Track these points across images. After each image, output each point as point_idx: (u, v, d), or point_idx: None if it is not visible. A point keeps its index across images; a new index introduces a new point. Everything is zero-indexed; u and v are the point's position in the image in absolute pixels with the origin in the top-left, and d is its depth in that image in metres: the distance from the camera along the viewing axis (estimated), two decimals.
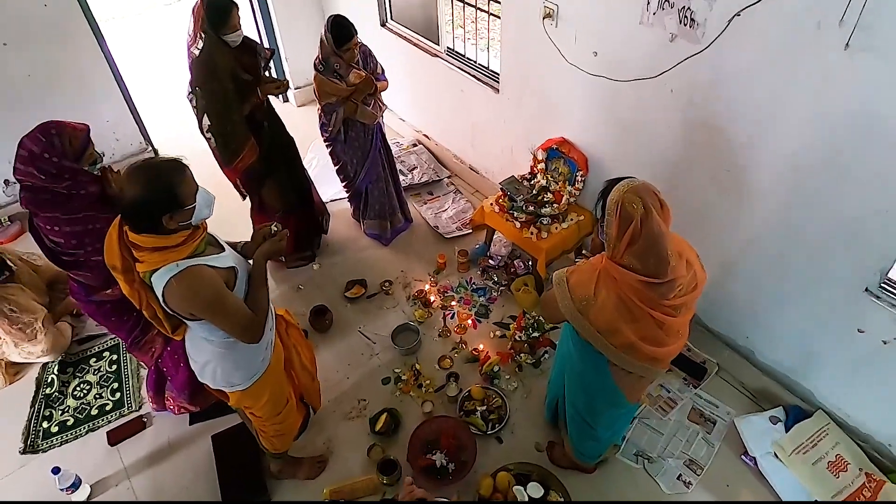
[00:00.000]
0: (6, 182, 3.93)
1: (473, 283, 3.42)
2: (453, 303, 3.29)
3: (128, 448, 2.71)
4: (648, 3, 2.28)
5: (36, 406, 2.90)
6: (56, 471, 2.40)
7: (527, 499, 2.33)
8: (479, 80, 3.54)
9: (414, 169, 4.21)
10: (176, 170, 1.60)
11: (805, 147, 2.09)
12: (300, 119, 4.73)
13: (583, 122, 2.95)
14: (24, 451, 2.71)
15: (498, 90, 3.41)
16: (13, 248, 3.63)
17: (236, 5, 2.71)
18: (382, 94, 3.22)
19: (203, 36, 2.64)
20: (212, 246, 1.80)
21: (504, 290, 3.36)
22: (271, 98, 3.09)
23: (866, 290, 2.17)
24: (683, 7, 2.16)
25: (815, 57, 1.91)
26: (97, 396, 2.94)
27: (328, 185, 4.08)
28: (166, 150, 4.55)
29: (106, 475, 2.61)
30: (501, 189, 3.22)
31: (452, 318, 3.22)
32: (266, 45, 4.59)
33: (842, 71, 1.86)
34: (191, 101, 2.80)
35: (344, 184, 3.51)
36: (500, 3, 3.08)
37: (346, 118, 3.10)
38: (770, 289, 2.53)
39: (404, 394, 2.87)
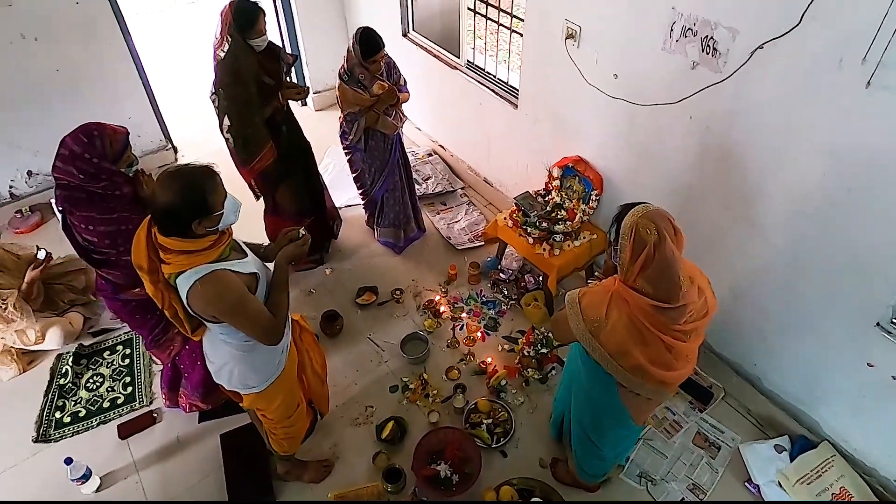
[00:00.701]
0: (29, 173, 4.01)
1: (483, 296, 3.45)
2: (463, 314, 3.32)
3: (137, 442, 2.76)
4: (672, 30, 2.31)
5: (49, 396, 2.95)
6: (69, 461, 2.45)
7: None
8: (497, 94, 3.58)
9: (428, 179, 4.25)
10: (208, 177, 1.65)
11: (820, 180, 2.11)
12: (318, 123, 4.79)
13: (600, 143, 2.98)
14: (36, 440, 2.76)
15: (516, 105, 3.45)
16: (18, 239, 3.71)
17: (263, 11, 2.77)
18: (403, 105, 3.27)
19: (229, 39, 2.70)
20: (236, 251, 1.85)
21: (514, 304, 3.39)
22: (291, 102, 3.15)
23: (877, 324, 2.18)
24: (706, 37, 2.19)
25: (835, 93, 1.93)
26: (109, 389, 2.99)
27: (342, 191, 4.13)
28: (185, 148, 4.63)
29: (115, 468, 2.66)
30: (515, 204, 3.25)
31: (461, 329, 3.25)
32: (289, 50, 4.66)
33: (862, 108, 1.88)
34: (213, 101, 2.86)
35: (360, 191, 3.55)
36: (523, 20, 3.12)
37: (366, 127, 3.14)
38: (780, 317, 2.54)
39: (411, 403, 2.90)
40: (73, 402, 2.93)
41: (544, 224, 3.11)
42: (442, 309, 3.32)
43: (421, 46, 4.09)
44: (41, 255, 3.18)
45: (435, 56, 3.98)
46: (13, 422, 2.84)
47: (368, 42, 2.90)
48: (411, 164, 3.77)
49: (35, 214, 4.02)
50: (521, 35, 3.18)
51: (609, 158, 2.98)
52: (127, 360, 3.12)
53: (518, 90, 3.39)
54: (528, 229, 3.14)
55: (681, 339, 1.74)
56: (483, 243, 3.74)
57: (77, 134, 2.02)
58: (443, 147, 4.45)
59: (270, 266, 1.98)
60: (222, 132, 2.89)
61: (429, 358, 3.10)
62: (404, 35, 4.21)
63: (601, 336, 1.76)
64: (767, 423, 2.77)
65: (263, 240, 3.51)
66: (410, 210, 3.67)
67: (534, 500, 2.43)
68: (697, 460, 2.66)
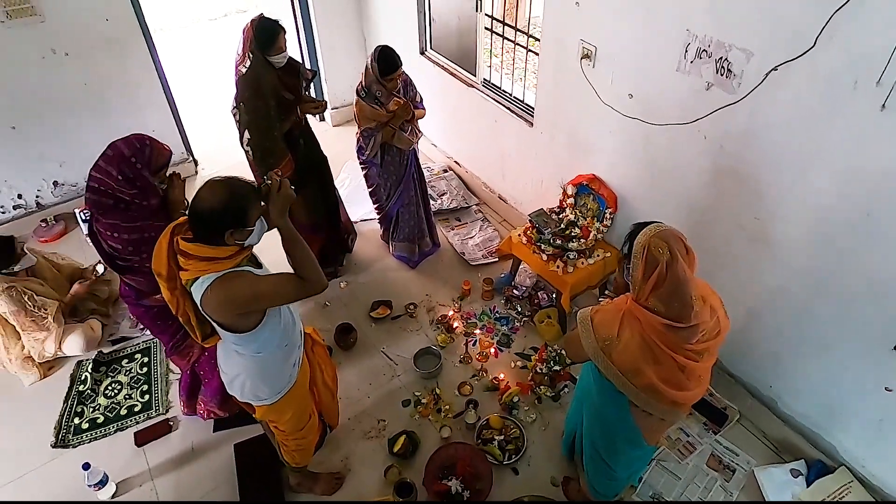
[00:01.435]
0: (55, 183, 4.12)
1: (497, 312, 3.46)
2: (476, 330, 3.33)
3: (153, 450, 2.80)
4: (686, 51, 2.34)
5: (69, 402, 3.01)
6: (86, 467, 2.49)
7: None
8: (513, 112, 3.62)
9: (443, 195, 4.29)
10: (252, 192, 1.73)
11: (836, 203, 2.11)
12: (335, 138, 4.87)
13: (614, 161, 3.00)
14: (55, 446, 2.81)
15: (532, 123, 3.48)
16: (44, 248, 3.80)
17: (284, 29, 2.85)
18: (419, 121, 3.32)
19: (251, 56, 2.78)
20: (251, 262, 1.90)
21: (527, 320, 3.40)
22: (308, 117, 3.21)
23: (895, 348, 2.16)
24: (721, 58, 2.21)
25: (850, 115, 1.94)
26: (127, 397, 3.04)
27: (358, 206, 4.18)
28: (206, 160, 4.73)
29: (131, 475, 2.70)
30: (530, 221, 3.27)
31: (474, 345, 3.25)
32: (308, 66, 4.76)
33: (877, 130, 1.89)
34: (234, 115, 2.94)
35: (376, 206, 3.60)
36: (539, 40, 3.17)
37: (383, 143, 3.20)
38: (795, 339, 2.52)
39: (423, 417, 2.91)
40: (91, 409, 2.98)
41: (558, 241, 3.13)
42: (455, 324, 3.34)
43: (438, 64, 4.15)
44: (99, 269, 3.40)
45: (452, 74, 4.05)
46: (33, 427, 2.90)
47: (386, 60, 2.97)
48: (426, 180, 3.81)
49: (59, 224, 4.12)
50: (537, 54, 3.22)
51: (623, 177, 3.00)
52: (145, 369, 3.18)
53: (533, 108, 3.43)
54: (542, 246, 3.15)
55: (693, 358, 1.74)
56: (497, 259, 3.76)
57: (130, 139, 2.12)
58: (458, 163, 4.50)
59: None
60: (242, 145, 2.97)
61: (441, 373, 3.11)
62: (422, 53, 4.29)
63: (613, 354, 1.76)
64: (783, 447, 2.73)
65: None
66: (425, 225, 3.70)
67: None
68: (711, 483, 2.63)
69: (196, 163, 4.69)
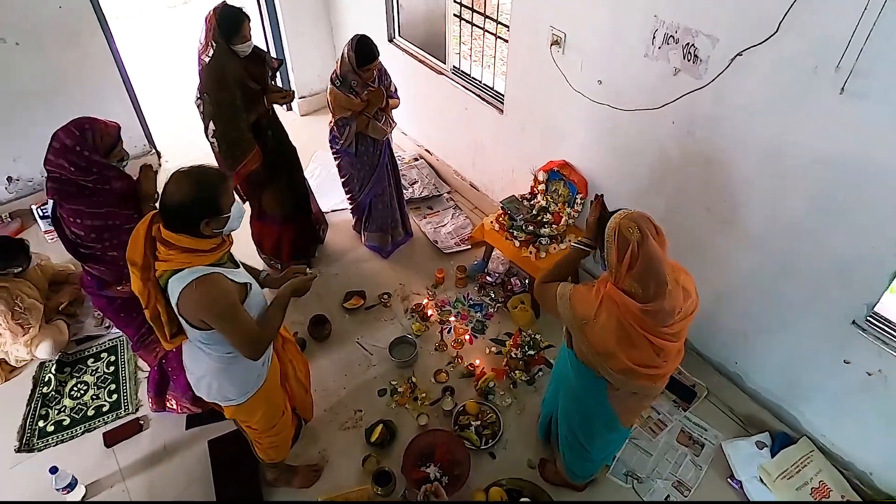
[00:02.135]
0: (9, 179, 3.94)
1: (470, 299, 3.48)
2: (450, 318, 3.34)
3: (124, 450, 2.73)
4: (654, 37, 2.37)
5: (32, 405, 2.91)
6: (53, 470, 2.42)
7: None
8: (483, 99, 3.62)
9: (415, 183, 4.27)
10: (220, 179, 1.71)
11: (800, 185, 2.18)
12: (304, 128, 4.79)
13: (584, 147, 3.04)
14: (19, 450, 2.72)
15: (502, 111, 3.49)
16: None
17: (248, 17, 2.78)
18: (393, 111, 3.29)
19: (214, 45, 2.70)
20: (230, 261, 1.87)
21: (501, 307, 3.42)
22: (276, 107, 3.15)
23: (853, 322, 2.26)
24: (688, 44, 2.25)
25: (811, 99, 2.00)
26: (94, 397, 2.95)
27: (329, 196, 4.13)
28: (169, 152, 4.59)
29: (101, 476, 2.63)
30: (502, 207, 3.29)
31: (449, 332, 3.27)
32: (274, 54, 4.65)
33: (837, 114, 1.96)
34: (198, 106, 2.86)
35: (348, 196, 3.56)
36: (508, 26, 3.16)
37: (357, 133, 3.16)
38: (761, 317, 2.61)
39: (400, 406, 2.91)
40: (56, 411, 2.89)
41: (530, 227, 3.16)
42: (429, 312, 3.34)
43: (407, 52, 4.12)
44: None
45: (421, 61, 4.01)
46: None
47: (364, 50, 2.92)
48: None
49: (15, 221, 3.96)
50: (507, 41, 3.22)
51: (594, 162, 3.04)
52: (112, 368, 3.09)
53: (503, 95, 3.44)
54: (515, 233, 3.18)
55: (670, 339, 1.79)
56: (470, 247, 3.78)
57: (69, 127, 2.05)
58: (429, 152, 4.48)
59: (265, 292, 2.03)
60: (207, 137, 2.89)
61: (417, 361, 3.12)
62: (390, 40, 4.24)
63: (589, 334, 1.80)
64: (749, 421, 2.84)
65: (250, 247, 3.52)
66: (398, 214, 3.68)
67: (522, 500, 2.45)
68: (682, 458, 2.71)
69: (159, 155, 4.55)
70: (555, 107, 3.07)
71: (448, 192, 4.30)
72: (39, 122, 3.82)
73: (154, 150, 4.50)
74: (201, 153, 3.92)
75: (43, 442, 2.76)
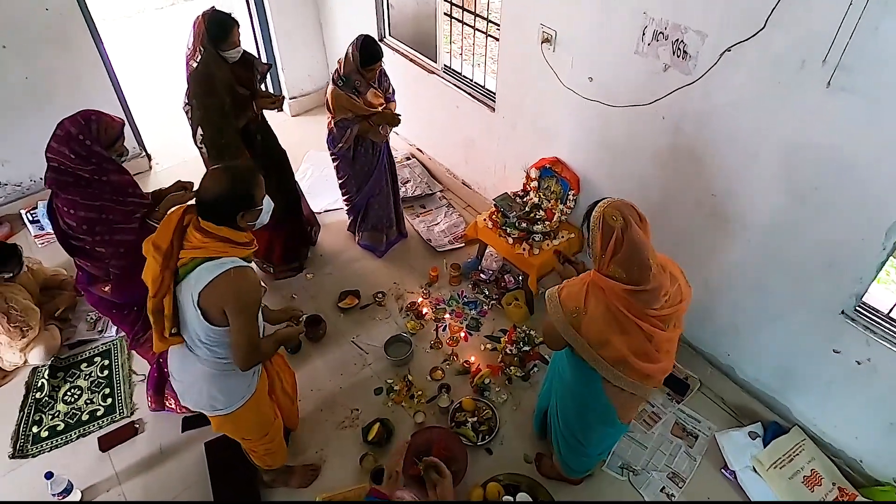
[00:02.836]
0: None
1: (465, 297, 3.49)
2: (445, 315, 3.35)
3: (119, 454, 2.72)
4: (644, 34, 2.39)
5: (26, 410, 2.88)
6: (49, 475, 2.40)
7: None
8: (475, 98, 3.63)
9: (407, 182, 4.28)
10: (253, 173, 1.82)
11: (788, 178, 2.21)
12: (294, 129, 4.78)
13: (576, 144, 3.06)
14: (13, 456, 2.70)
15: (493, 109, 3.50)
16: None
17: (237, 23, 2.77)
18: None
19: (202, 50, 2.69)
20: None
21: (495, 304, 3.44)
22: (265, 111, 3.15)
23: (842, 312, 2.30)
24: (677, 40, 2.28)
25: (799, 93, 2.03)
26: (88, 402, 2.93)
27: (321, 196, 4.13)
28: (159, 156, 4.56)
29: (97, 481, 2.62)
30: (495, 205, 3.31)
31: (444, 330, 3.28)
32: (264, 55, 4.64)
33: (823, 108, 1.99)
34: (186, 112, 2.85)
35: (345, 197, 3.56)
36: (498, 25, 3.18)
37: (356, 135, 3.15)
38: (751, 309, 2.64)
39: (396, 404, 2.92)
40: (50, 416, 2.87)
41: (523, 224, 3.17)
42: (424, 311, 3.35)
43: (397, 51, 4.12)
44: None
45: (412, 60, 4.02)
46: None
47: (369, 50, 2.93)
48: None
49: (4, 226, 3.92)
50: (497, 40, 3.24)
51: (585, 159, 3.06)
52: (106, 372, 3.07)
53: (495, 93, 3.45)
54: (508, 230, 3.19)
55: (658, 326, 1.82)
56: (463, 245, 3.79)
57: (75, 117, 2.10)
58: (421, 150, 4.49)
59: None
60: (196, 143, 2.88)
61: (413, 359, 3.13)
62: (380, 40, 4.24)
63: (581, 326, 1.83)
64: (741, 412, 2.87)
65: None
66: (393, 214, 3.69)
67: (520, 495, 2.47)
68: (676, 450, 2.74)
69: (150, 158, 4.52)
70: (546, 104, 3.09)
71: (441, 191, 4.31)
72: (29, 125, 3.80)
73: (144, 153, 4.47)
74: (192, 156, 3.91)
75: (37, 448, 2.74)
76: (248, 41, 4.54)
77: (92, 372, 3.08)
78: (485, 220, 3.33)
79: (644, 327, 1.79)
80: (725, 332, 2.83)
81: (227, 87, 2.79)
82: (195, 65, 2.71)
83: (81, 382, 3.03)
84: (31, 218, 3.91)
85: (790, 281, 2.41)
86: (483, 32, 3.45)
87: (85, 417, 2.86)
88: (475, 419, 2.79)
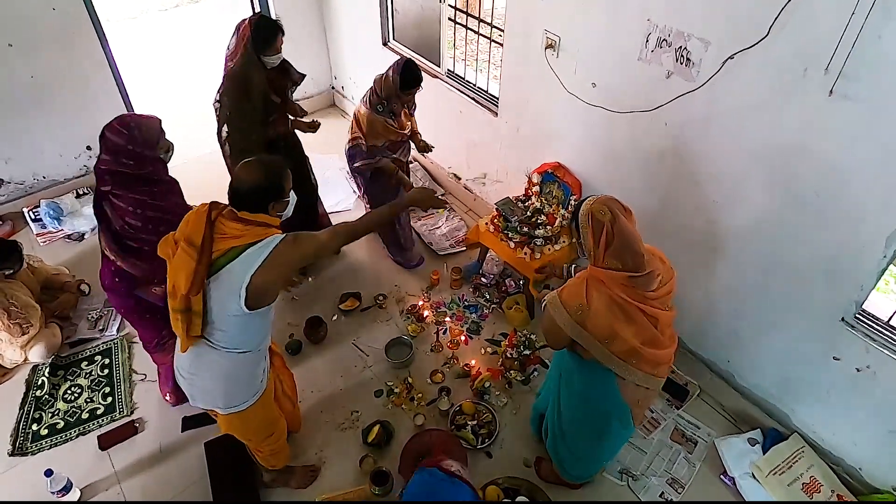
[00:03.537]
0: (0, 181, 3.91)
1: (465, 300, 3.50)
2: (446, 318, 3.36)
3: (119, 453, 2.71)
4: (647, 40, 2.42)
5: (25, 408, 2.88)
6: (49, 473, 2.40)
7: None
8: (477, 102, 3.65)
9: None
10: (283, 166, 1.90)
11: (789, 185, 2.23)
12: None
13: (578, 149, 3.07)
14: (12, 454, 2.69)
15: (496, 113, 3.52)
16: None
17: (282, 31, 2.81)
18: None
19: (243, 54, 2.73)
20: None
21: (495, 307, 3.45)
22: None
23: (842, 319, 2.30)
24: (680, 47, 2.30)
25: (801, 101, 2.05)
26: (88, 400, 2.93)
27: (328, 196, 4.14)
28: None
29: (96, 479, 2.61)
30: (496, 209, 3.32)
31: (445, 333, 3.28)
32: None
33: (825, 115, 2.01)
34: (216, 108, 2.87)
35: (368, 207, 3.54)
36: (502, 30, 3.20)
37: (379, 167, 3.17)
38: (752, 316, 2.65)
39: (396, 406, 2.92)
40: (50, 414, 2.86)
41: (525, 229, 3.18)
42: (425, 314, 3.36)
43: (401, 55, 4.13)
44: (84, 288, 3.42)
45: None
46: None
47: (412, 74, 2.96)
48: None
49: (6, 224, 3.92)
50: (501, 45, 3.26)
51: (587, 164, 3.07)
52: (106, 371, 3.07)
53: (498, 98, 3.47)
54: (510, 234, 3.20)
55: (659, 307, 1.88)
56: (464, 248, 3.80)
57: (115, 127, 2.11)
58: (423, 154, 4.50)
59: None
60: (219, 140, 2.89)
61: (413, 362, 3.13)
62: (384, 44, 4.26)
63: (588, 322, 1.85)
64: (741, 418, 2.88)
65: None
66: (410, 231, 3.70)
67: (519, 498, 2.47)
68: (675, 455, 2.74)
69: None
70: (549, 109, 3.11)
71: (442, 195, 4.33)
72: (33, 124, 3.83)
73: None
74: (195, 156, 3.94)
75: (37, 445, 2.73)
76: None
77: (92, 370, 3.08)
78: (486, 224, 3.34)
79: (648, 311, 1.85)
80: (725, 338, 2.84)
81: (261, 92, 2.83)
82: (234, 66, 2.74)
83: (82, 381, 3.03)
84: (32, 216, 3.91)
85: (791, 287, 2.42)
86: (487, 38, 3.47)
87: (85, 416, 2.86)
88: (475, 422, 2.79)
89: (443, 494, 1.84)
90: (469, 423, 2.79)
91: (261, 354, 2.05)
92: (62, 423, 2.83)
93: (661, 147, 2.61)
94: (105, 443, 2.73)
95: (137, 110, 4.32)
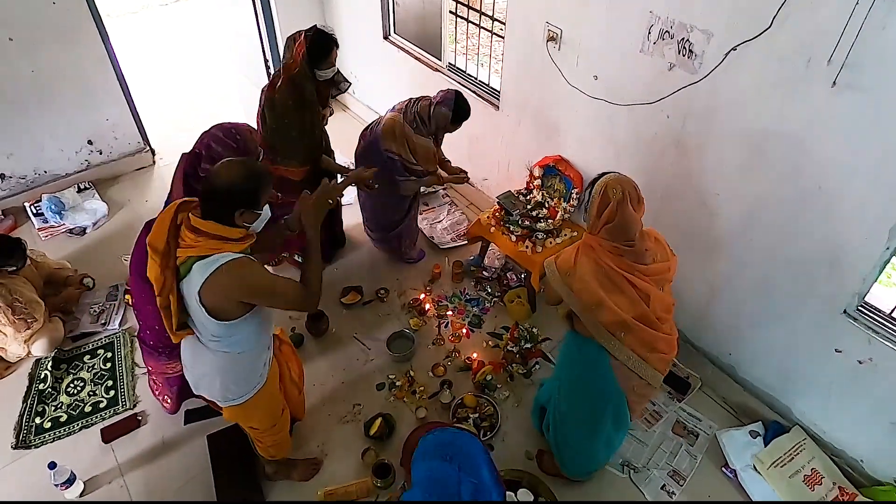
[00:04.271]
0: (2, 176, 3.91)
1: (467, 294, 3.50)
2: (447, 312, 3.36)
3: (122, 446, 2.72)
4: (649, 32, 2.41)
5: (28, 401, 2.89)
6: (52, 466, 2.41)
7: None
8: (479, 95, 3.64)
9: None
10: (266, 175, 1.80)
11: (792, 177, 2.22)
12: None
13: (580, 142, 3.07)
14: (15, 447, 2.70)
15: (498, 107, 3.52)
16: None
17: (337, 44, 2.83)
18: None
19: (299, 67, 2.75)
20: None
21: (497, 301, 3.45)
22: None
23: (844, 312, 2.30)
24: (683, 39, 2.29)
25: (804, 92, 2.04)
26: (91, 393, 2.94)
27: None
28: (163, 150, 4.57)
29: (99, 472, 2.62)
30: (498, 203, 3.32)
31: (446, 327, 3.29)
32: (269, 52, 4.64)
33: (828, 107, 2.00)
34: (261, 101, 2.88)
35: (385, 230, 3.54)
36: (504, 23, 3.19)
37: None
38: (754, 308, 2.65)
39: (398, 399, 2.93)
40: (53, 408, 2.87)
41: (526, 222, 3.18)
42: (427, 307, 3.36)
43: (402, 49, 4.13)
44: (88, 282, 3.43)
45: (416, 58, 4.03)
46: None
47: (464, 107, 3.01)
48: None
49: (8, 219, 3.92)
50: (502, 38, 3.25)
51: (589, 157, 3.07)
52: (108, 364, 3.07)
53: (499, 91, 3.47)
54: (511, 228, 3.20)
55: (649, 282, 1.91)
56: (466, 242, 3.80)
57: (221, 138, 2.17)
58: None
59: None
60: (260, 125, 2.91)
61: (415, 355, 3.14)
62: (385, 38, 4.25)
63: (574, 284, 1.93)
64: (742, 411, 2.88)
65: None
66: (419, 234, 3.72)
67: (521, 491, 2.47)
68: (677, 448, 2.75)
69: (154, 153, 4.53)
70: (550, 102, 3.11)
71: (443, 189, 4.32)
72: (33, 119, 3.82)
73: (149, 148, 4.48)
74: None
75: (40, 438, 2.74)
76: (253, 40, 4.55)
77: (95, 364, 3.08)
78: (488, 217, 3.34)
79: (637, 283, 1.88)
80: (727, 330, 2.84)
81: (310, 105, 2.86)
82: (288, 77, 2.76)
83: (84, 374, 3.04)
84: (34, 211, 3.91)
85: (793, 280, 2.42)
86: (488, 31, 3.46)
87: (88, 409, 2.87)
88: (477, 415, 2.80)
89: (459, 441, 1.81)
90: (471, 415, 2.79)
91: (260, 349, 2.04)
92: (65, 417, 2.84)
93: (664, 140, 2.61)
94: (108, 436, 2.74)
95: (137, 104, 4.32)
